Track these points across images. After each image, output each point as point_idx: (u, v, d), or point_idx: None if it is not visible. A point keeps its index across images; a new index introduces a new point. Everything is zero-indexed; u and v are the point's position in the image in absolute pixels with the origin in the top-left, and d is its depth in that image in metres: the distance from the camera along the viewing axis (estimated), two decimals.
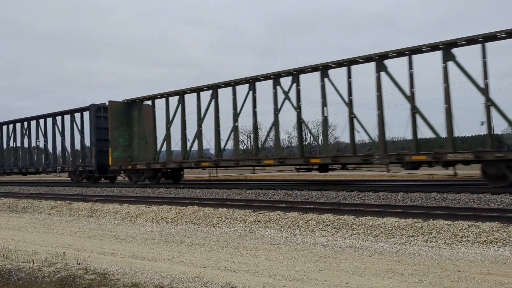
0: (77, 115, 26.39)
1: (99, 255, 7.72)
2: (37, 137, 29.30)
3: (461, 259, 6.51)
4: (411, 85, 14.14)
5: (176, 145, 21.81)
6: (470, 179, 18.17)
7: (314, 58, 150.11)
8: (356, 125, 15.33)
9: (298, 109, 16.82)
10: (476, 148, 13.45)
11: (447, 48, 13.50)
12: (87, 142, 25.74)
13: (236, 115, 18.82)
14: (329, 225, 9.21)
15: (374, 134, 15.17)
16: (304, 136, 21.50)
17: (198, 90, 20.43)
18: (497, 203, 10.46)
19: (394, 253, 7.16)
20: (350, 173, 28.70)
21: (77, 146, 26.76)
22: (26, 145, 30.16)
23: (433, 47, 13.79)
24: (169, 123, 21.68)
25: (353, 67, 15.55)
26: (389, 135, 15.23)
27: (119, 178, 27.20)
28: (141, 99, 23.27)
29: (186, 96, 21.08)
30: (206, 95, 21.34)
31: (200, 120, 20.27)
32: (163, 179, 22.84)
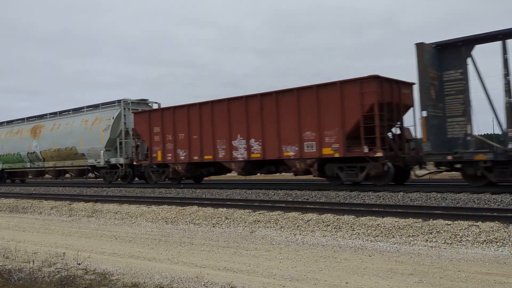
0: None
1: (99, 255, 7.72)
2: None
3: (461, 259, 6.51)
4: None
5: None
6: None
7: (315, 57, 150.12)
8: None
9: None
10: None
11: None
12: None
13: None
14: (329, 225, 9.22)
15: None
16: None
17: None
18: (497, 203, 10.46)
19: (394, 253, 7.16)
20: None
21: None
22: None
23: None
24: None
25: None
26: None
27: None
28: None
29: None
30: None
31: None
32: None
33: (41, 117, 27.10)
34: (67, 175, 26.52)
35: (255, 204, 12.13)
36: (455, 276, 5.55)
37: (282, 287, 5.37)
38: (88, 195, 18.37)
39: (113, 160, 21.74)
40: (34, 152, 26.26)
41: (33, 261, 7.04)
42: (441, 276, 5.57)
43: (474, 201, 11.00)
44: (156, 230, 10.54)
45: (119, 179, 22.21)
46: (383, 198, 12.33)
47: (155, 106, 22.55)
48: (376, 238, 8.24)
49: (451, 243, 7.47)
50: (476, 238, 7.44)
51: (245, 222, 10.31)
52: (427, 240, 7.74)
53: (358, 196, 12.87)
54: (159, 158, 19.36)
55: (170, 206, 13.01)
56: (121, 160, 21.45)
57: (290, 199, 13.23)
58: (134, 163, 20.84)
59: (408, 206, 10.69)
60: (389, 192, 13.08)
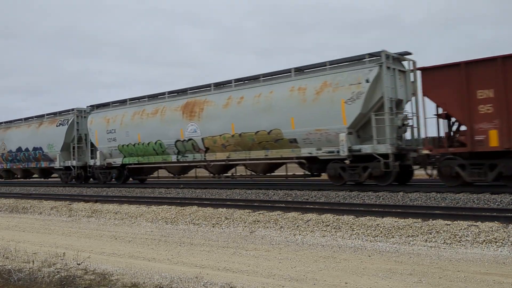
0: None
1: (99, 255, 7.73)
2: None
3: (460, 259, 6.52)
4: None
5: None
6: None
7: (315, 57, 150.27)
8: None
9: None
10: None
11: None
12: None
13: None
14: (328, 225, 9.22)
15: None
16: None
17: None
18: (496, 203, 10.47)
19: (394, 253, 7.17)
20: None
21: None
22: None
23: None
24: None
25: None
26: None
27: None
28: None
29: None
30: None
31: None
32: None
33: (196, 90, 18.72)
34: (233, 171, 18.70)
35: (255, 204, 12.14)
36: (454, 276, 5.56)
37: (282, 287, 5.37)
38: (88, 195, 18.37)
39: (367, 149, 13.51)
40: (189, 139, 18.00)
41: (33, 261, 7.04)
42: (440, 276, 5.58)
43: (474, 201, 11.00)
44: (156, 230, 10.54)
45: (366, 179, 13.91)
46: (382, 198, 12.34)
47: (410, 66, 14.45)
48: (376, 238, 8.25)
49: (450, 243, 7.48)
50: (475, 238, 7.45)
51: (245, 222, 10.32)
52: (426, 240, 7.74)
53: (357, 196, 12.87)
54: (494, 143, 11.38)
55: (170, 206, 13.02)
56: (382, 148, 13.18)
57: (290, 199, 13.24)
58: (425, 152, 12.73)
59: (408, 206, 10.70)
60: (389, 192, 13.08)
